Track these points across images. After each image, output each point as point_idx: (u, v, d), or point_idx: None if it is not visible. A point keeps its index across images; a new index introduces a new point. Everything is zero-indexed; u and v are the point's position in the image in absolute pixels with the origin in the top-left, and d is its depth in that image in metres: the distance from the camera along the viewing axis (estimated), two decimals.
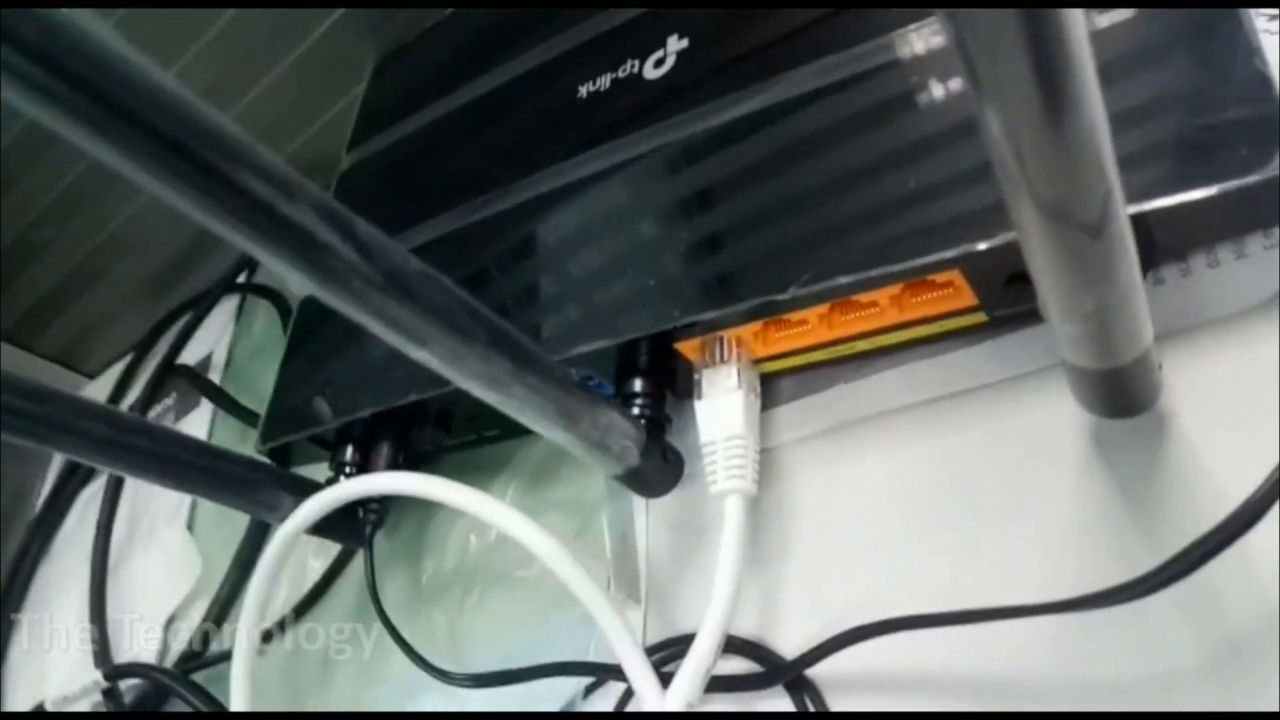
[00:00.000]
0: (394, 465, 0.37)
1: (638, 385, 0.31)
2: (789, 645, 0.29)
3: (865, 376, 0.31)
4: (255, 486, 0.35)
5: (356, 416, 0.36)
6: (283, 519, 0.35)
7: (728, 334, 0.30)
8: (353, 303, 0.21)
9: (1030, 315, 0.28)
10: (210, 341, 0.58)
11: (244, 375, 0.54)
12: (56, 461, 0.63)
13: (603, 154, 0.34)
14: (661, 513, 0.34)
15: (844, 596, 0.28)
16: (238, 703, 0.35)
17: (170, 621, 0.47)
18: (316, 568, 0.42)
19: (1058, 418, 0.26)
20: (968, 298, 0.27)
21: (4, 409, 0.28)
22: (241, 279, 0.58)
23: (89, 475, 0.60)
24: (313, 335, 0.41)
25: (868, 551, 0.28)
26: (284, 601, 0.43)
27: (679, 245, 0.31)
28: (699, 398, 0.30)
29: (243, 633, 0.35)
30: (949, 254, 0.25)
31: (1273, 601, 0.22)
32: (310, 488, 0.36)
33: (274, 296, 0.55)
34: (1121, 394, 0.23)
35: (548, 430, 0.27)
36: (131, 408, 0.59)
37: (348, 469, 0.37)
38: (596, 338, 0.31)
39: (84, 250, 0.63)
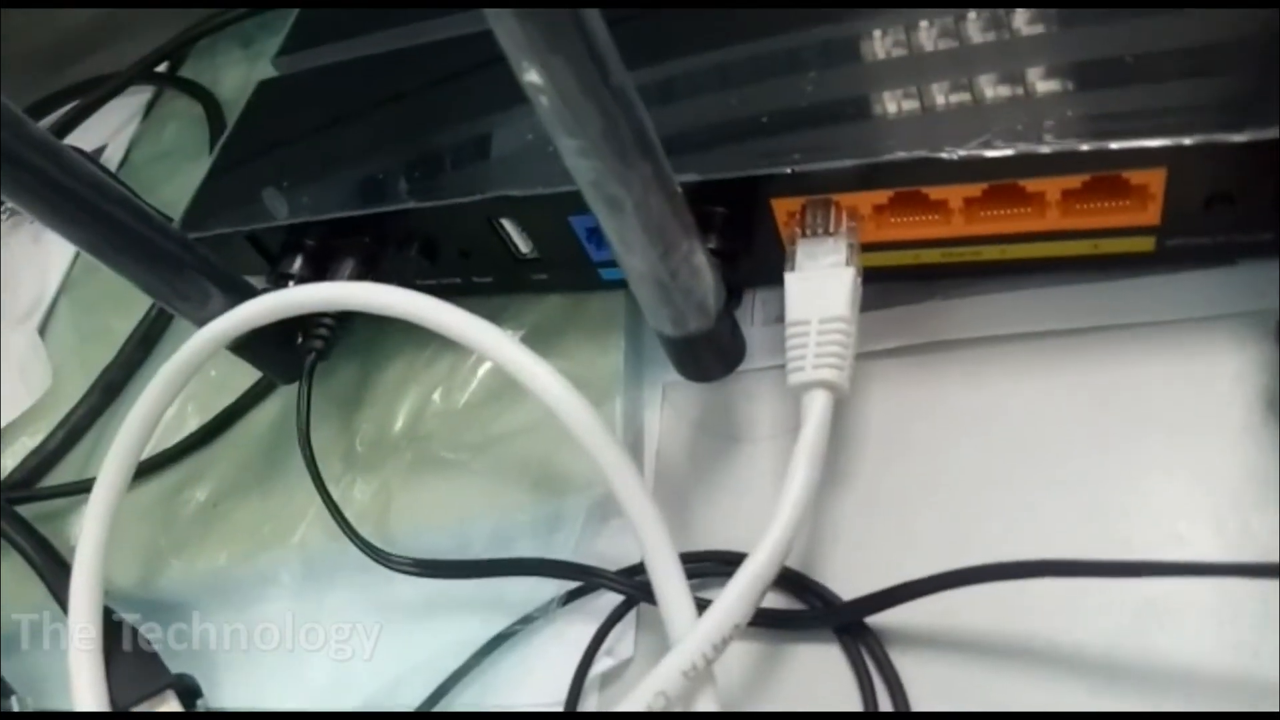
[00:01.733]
0: None
1: (715, 242, 0.25)
2: (839, 586, 0.23)
3: (975, 295, 0.26)
4: (180, 267, 0.27)
5: (325, 217, 0.29)
6: (206, 319, 0.27)
7: (842, 199, 0.24)
8: None
9: (1203, 254, 0.24)
10: (105, 134, 0.49)
11: (143, 178, 0.45)
12: None
13: None
14: (680, 408, 0.28)
15: (922, 539, 0.23)
16: (87, 546, 0.27)
17: None
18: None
19: (1227, 368, 0.22)
20: (1152, 214, 0.23)
21: None
22: (161, 69, 0.49)
23: None
24: (274, 119, 0.33)
25: (957, 489, 0.23)
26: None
27: (814, 83, 0.25)
28: (791, 269, 0.24)
29: (116, 457, 0.27)
30: (1163, 143, 0.21)
31: None
32: (247, 290, 0.28)
33: (203, 95, 0.46)
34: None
35: (637, 253, 0.20)
36: None
37: (291, 283, 0.30)
38: (680, 169, 0.24)
39: None
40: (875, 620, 0.22)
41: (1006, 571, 0.20)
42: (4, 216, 0.46)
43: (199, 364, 0.27)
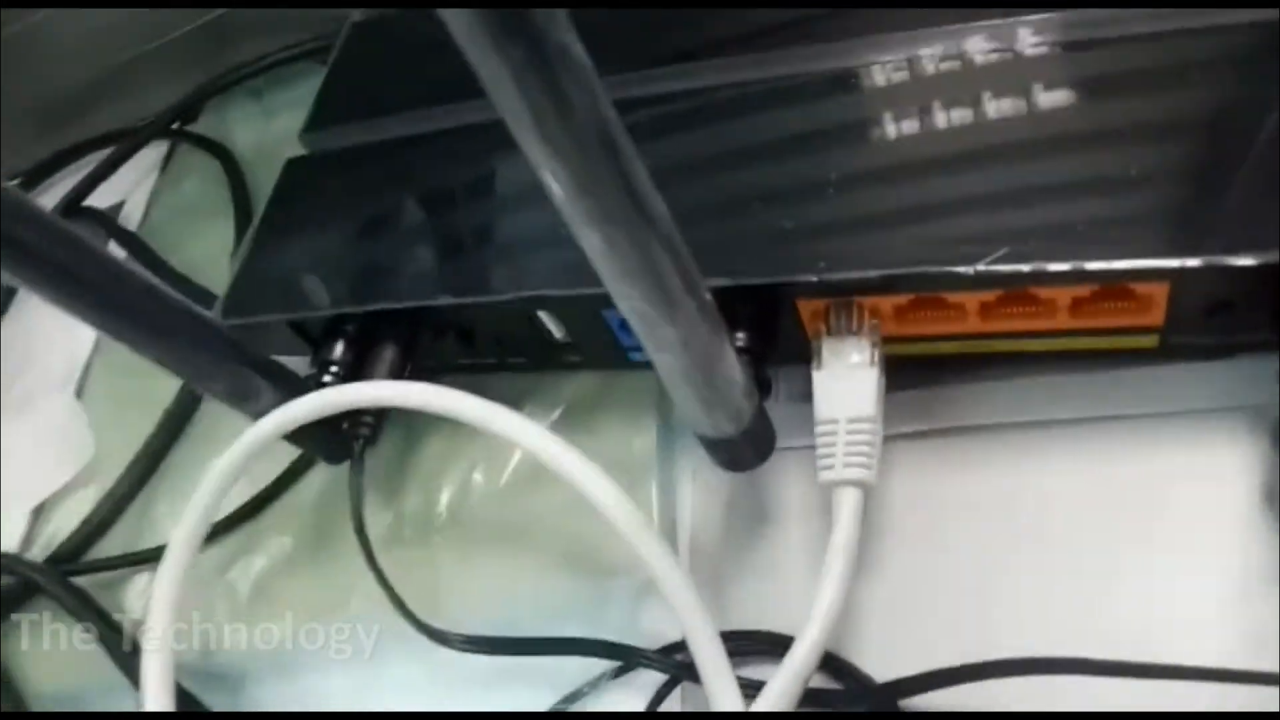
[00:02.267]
0: (399, 375, 0.31)
1: (743, 339, 0.26)
2: (867, 666, 0.25)
3: (988, 381, 0.27)
4: (229, 363, 0.28)
5: (369, 308, 0.30)
6: (260, 413, 0.29)
7: (865, 302, 0.26)
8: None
9: (1203, 350, 0.26)
10: (122, 190, 0.50)
11: (164, 235, 0.46)
12: None
13: (765, 62, 0.29)
14: (712, 486, 0.30)
15: (945, 623, 0.25)
16: (157, 619, 0.29)
17: (39, 510, 0.39)
18: None
19: (1227, 462, 0.24)
20: (1155, 317, 0.24)
21: None
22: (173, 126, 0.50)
23: None
24: (308, 201, 0.34)
25: (977, 576, 0.25)
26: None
27: (836, 188, 0.26)
28: (818, 366, 0.26)
29: (182, 535, 0.29)
30: (1168, 264, 0.22)
31: None
32: (295, 383, 0.30)
33: (219, 151, 0.47)
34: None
35: (679, 378, 0.22)
36: None
37: (334, 369, 0.31)
38: (710, 274, 0.26)
39: None
40: (907, 703, 0.24)
41: (1039, 667, 0.22)
42: None
43: (254, 457, 0.28)
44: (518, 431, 0.27)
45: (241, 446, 0.28)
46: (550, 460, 0.26)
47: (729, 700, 0.23)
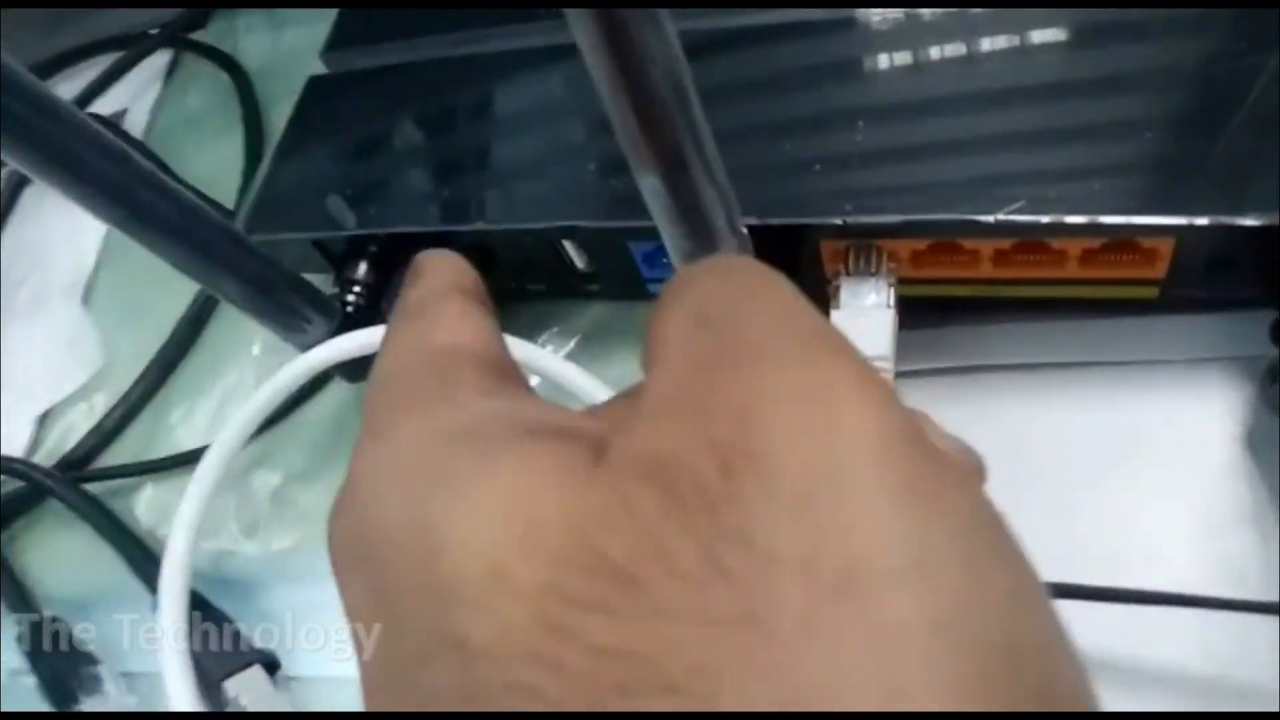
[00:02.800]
0: None
1: None
2: None
3: (994, 325, 0.29)
4: (281, 293, 0.28)
5: (395, 230, 0.31)
6: (308, 344, 0.29)
7: (884, 245, 0.27)
8: None
9: (1200, 303, 0.27)
10: (123, 98, 0.49)
11: (169, 147, 0.46)
12: None
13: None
14: None
15: None
16: (181, 530, 0.30)
17: (43, 418, 0.40)
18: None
19: (1215, 409, 0.25)
20: (1159, 270, 0.26)
21: None
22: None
23: None
24: (331, 120, 0.35)
25: None
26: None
27: (863, 133, 0.27)
28: (836, 306, 0.27)
29: (217, 452, 0.30)
30: (1177, 221, 0.24)
31: None
32: (332, 311, 0.30)
33: (228, 63, 0.46)
34: None
35: None
36: None
37: (358, 289, 0.32)
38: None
39: None
40: None
41: None
42: (32, 183, 0.46)
43: (296, 385, 0.29)
44: (537, 358, 0.28)
45: (287, 374, 0.29)
46: (569, 384, 0.27)
47: None
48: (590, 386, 0.27)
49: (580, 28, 0.15)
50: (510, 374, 0.13)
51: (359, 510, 0.11)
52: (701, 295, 0.11)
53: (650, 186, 0.19)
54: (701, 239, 0.21)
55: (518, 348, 0.28)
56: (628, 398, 0.14)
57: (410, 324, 0.13)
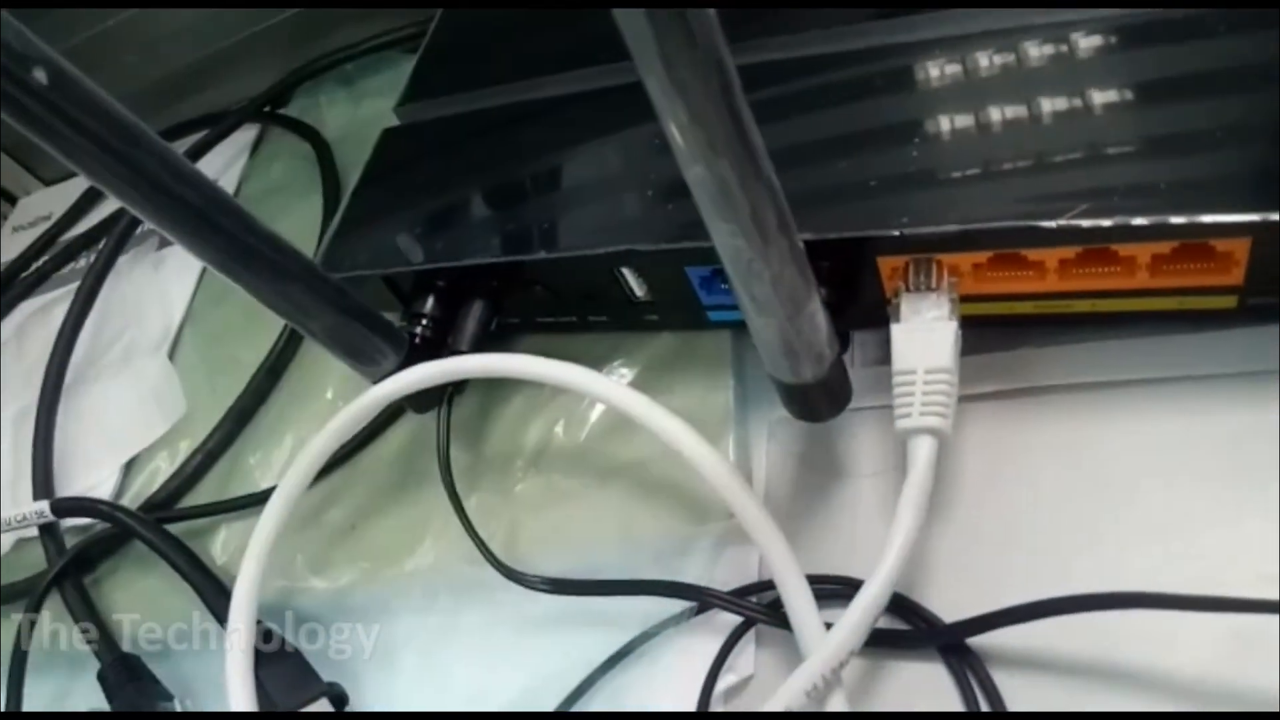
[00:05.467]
0: (486, 329, 0.32)
1: (824, 294, 0.27)
2: (938, 609, 0.26)
3: (1065, 344, 0.28)
4: (360, 327, 0.29)
5: (460, 263, 0.31)
6: (380, 376, 0.30)
7: (944, 259, 0.27)
8: None
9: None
10: (213, 171, 0.52)
11: (254, 210, 0.48)
12: None
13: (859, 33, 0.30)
14: (785, 444, 0.30)
15: (1019, 567, 0.25)
16: (251, 563, 0.30)
17: (130, 463, 0.41)
18: None
19: None
20: (1235, 276, 0.25)
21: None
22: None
23: (34, 285, 0.53)
24: (401, 166, 0.36)
25: (1048, 525, 0.26)
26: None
27: (918, 146, 0.27)
28: (897, 321, 0.27)
29: (284, 491, 0.30)
30: (1251, 218, 0.23)
31: None
32: (402, 343, 0.31)
33: (309, 132, 0.49)
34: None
35: (769, 315, 0.23)
36: (105, 224, 0.52)
37: (425, 322, 0.32)
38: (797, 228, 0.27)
39: (80, 34, 0.55)
40: (975, 642, 0.25)
41: (1103, 602, 0.22)
42: (127, 251, 0.49)
43: (367, 418, 0.30)
44: (605, 390, 0.28)
45: (359, 405, 0.30)
46: (637, 413, 0.27)
47: (812, 631, 0.24)
48: (657, 416, 0.27)
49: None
50: None
51: None
52: None
53: (696, 175, 0.19)
54: (753, 237, 0.21)
55: (582, 376, 0.28)
56: None
57: None
